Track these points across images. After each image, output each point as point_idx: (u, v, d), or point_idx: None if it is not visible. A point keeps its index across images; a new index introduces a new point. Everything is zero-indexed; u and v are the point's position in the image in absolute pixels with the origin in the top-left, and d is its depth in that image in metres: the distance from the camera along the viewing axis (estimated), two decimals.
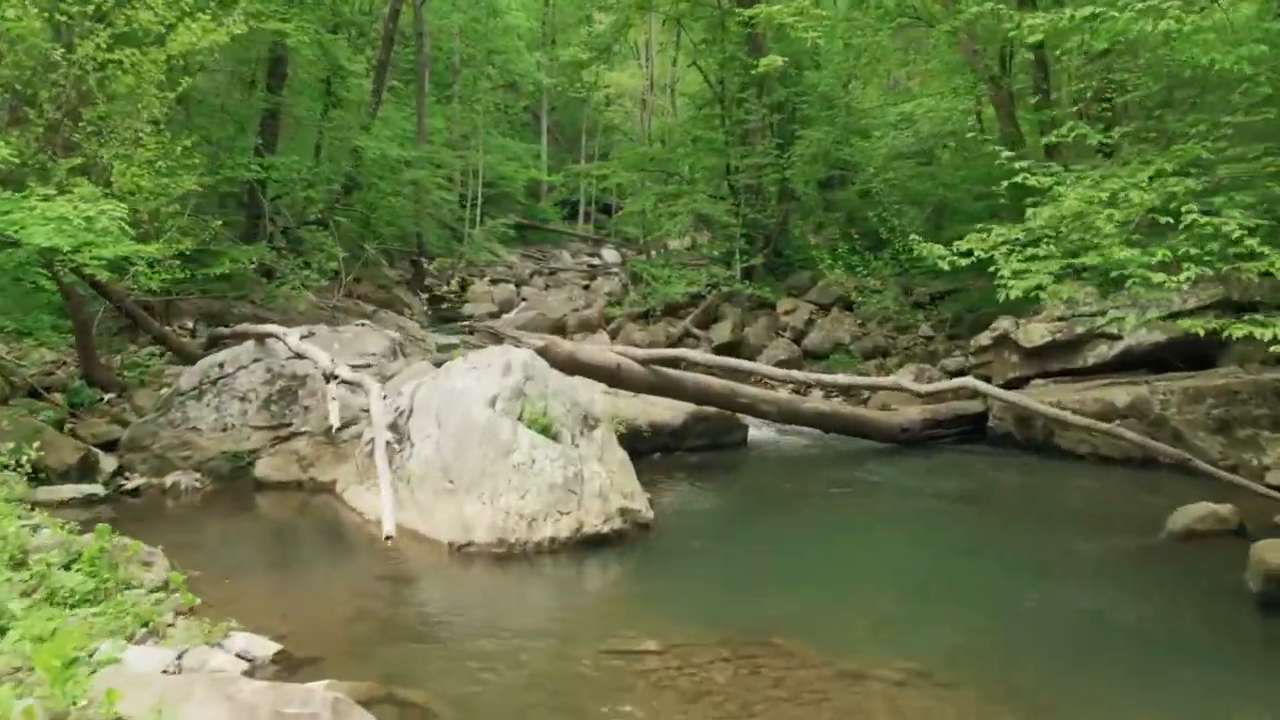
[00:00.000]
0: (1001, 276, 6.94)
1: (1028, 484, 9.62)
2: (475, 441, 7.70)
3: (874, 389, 10.91)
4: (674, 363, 9.92)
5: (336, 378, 7.69)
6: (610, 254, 34.13)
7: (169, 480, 9.17)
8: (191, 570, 6.57)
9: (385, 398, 8.00)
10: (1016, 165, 6.50)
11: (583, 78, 25.78)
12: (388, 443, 6.49)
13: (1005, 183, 8.17)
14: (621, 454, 8.41)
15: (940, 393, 10.69)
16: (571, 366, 9.42)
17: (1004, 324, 12.14)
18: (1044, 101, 12.22)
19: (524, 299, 27.92)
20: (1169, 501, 8.34)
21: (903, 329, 16.46)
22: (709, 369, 10.02)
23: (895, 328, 16.50)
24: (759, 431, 11.68)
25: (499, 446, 7.60)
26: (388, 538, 5.63)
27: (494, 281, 29.86)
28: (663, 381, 9.80)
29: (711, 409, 10.74)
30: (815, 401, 10.69)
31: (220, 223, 12.17)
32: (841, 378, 11.01)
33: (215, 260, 12.82)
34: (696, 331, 18.20)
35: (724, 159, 19.16)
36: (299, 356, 8.96)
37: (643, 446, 10.52)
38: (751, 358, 17.26)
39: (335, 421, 7.58)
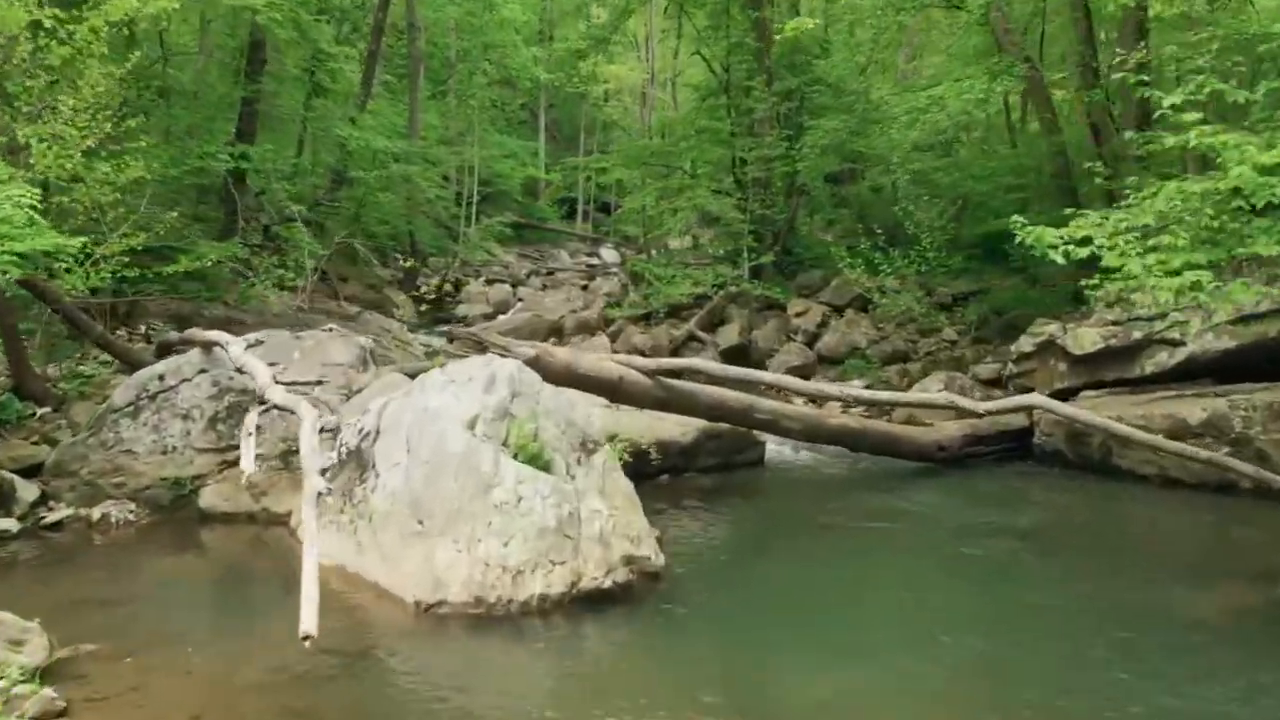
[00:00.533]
0: (1127, 274, 5.42)
1: (1096, 514, 8.14)
2: (450, 473, 6.23)
3: (921, 407, 9.37)
4: (684, 374, 8.44)
5: (264, 403, 6.17)
6: (609, 253, 32.66)
7: (97, 512, 7.69)
8: (88, 643, 5.12)
9: (324, 430, 6.48)
10: (1185, 118, 4.98)
11: (581, 70, 24.22)
12: (320, 494, 4.96)
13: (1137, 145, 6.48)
14: (626, 484, 6.93)
15: (1002, 412, 9.18)
16: (567, 379, 7.94)
17: (1049, 328, 10.68)
18: (1093, 80, 10.73)
19: (520, 299, 26.46)
20: (1269, 537, 6.90)
21: (925, 332, 15.00)
22: (724, 380, 8.54)
23: (917, 330, 15.04)
24: (777, 448, 10.22)
25: (478, 480, 6.13)
26: (305, 638, 4.15)
27: (490, 281, 28.38)
28: (672, 395, 8.33)
29: (725, 425, 9.28)
30: (843, 417, 9.22)
31: (175, 214, 10.63)
32: (883, 394, 9.50)
33: (180, 257, 11.32)
34: (701, 334, 16.74)
35: (730, 151, 17.68)
36: (241, 371, 7.45)
37: (648, 468, 9.10)
38: (761, 362, 15.81)
39: (249, 466, 6.05)
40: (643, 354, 16.92)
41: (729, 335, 16.31)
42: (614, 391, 8.16)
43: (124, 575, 6.80)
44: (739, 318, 16.92)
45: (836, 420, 9.04)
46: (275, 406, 6.31)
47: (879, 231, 13.32)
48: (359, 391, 8.29)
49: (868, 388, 13.76)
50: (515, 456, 6.50)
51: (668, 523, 7.69)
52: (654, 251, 22.05)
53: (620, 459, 6.98)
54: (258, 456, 8.00)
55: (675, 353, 16.54)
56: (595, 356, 8.20)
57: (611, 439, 7.64)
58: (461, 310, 25.14)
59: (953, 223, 13.52)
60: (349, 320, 16.15)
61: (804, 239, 19.26)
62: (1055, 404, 8.60)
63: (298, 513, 7.42)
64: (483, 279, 28.68)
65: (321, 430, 6.26)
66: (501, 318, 23.49)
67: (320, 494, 4.84)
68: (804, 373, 14.47)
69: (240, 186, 16.37)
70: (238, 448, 7.97)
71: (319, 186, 20.86)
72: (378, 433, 7.01)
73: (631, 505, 6.75)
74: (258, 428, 8.01)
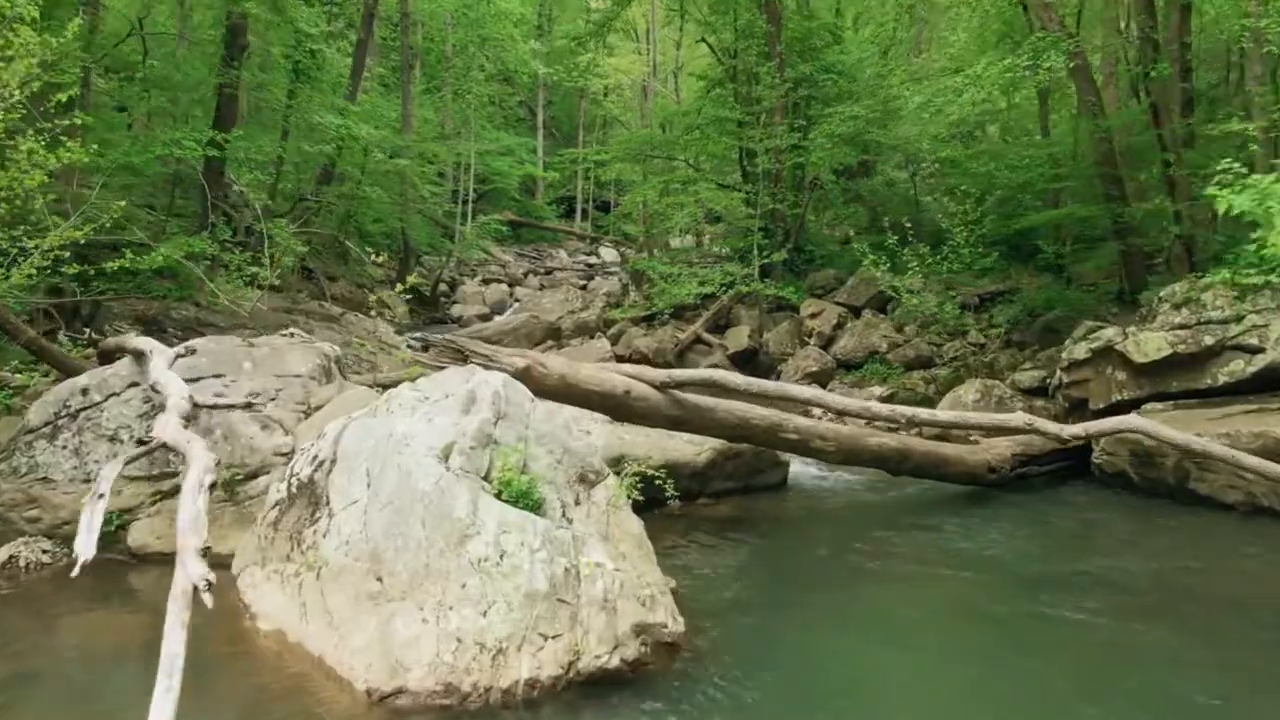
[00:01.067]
0: None
1: (1198, 555, 6.71)
2: (417, 518, 4.88)
3: (995, 431, 7.82)
4: (701, 386, 7.08)
5: (146, 444, 4.80)
6: (609, 253, 31.38)
7: (4, 553, 6.34)
8: None
9: (212, 485, 5.05)
10: None
11: (579, 62, 22.84)
12: (197, 589, 3.50)
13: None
14: (635, 526, 5.58)
15: (1092, 437, 7.77)
16: (563, 393, 6.59)
17: (1107, 332, 9.32)
18: (1154, 54, 9.38)
19: (517, 300, 25.18)
20: None
21: (949, 335, 13.65)
22: (747, 394, 7.16)
23: (940, 333, 13.69)
24: (802, 468, 8.89)
25: (451, 529, 4.78)
26: None
27: (486, 281, 27.12)
28: (687, 412, 6.98)
29: (746, 444, 7.93)
30: (883, 436, 7.85)
31: (123, 204, 9.24)
32: (944, 414, 8.05)
33: (126, 253, 9.92)
34: (708, 337, 15.43)
35: (738, 142, 16.30)
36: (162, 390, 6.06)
37: (656, 494, 7.79)
38: (772, 367, 14.50)
39: (85, 550, 4.61)
40: (646, 357, 15.59)
41: (738, 338, 14.99)
42: (619, 407, 6.80)
43: (25, 639, 5.47)
44: (748, 319, 15.61)
45: (876, 440, 7.68)
46: (162, 445, 4.90)
47: (909, 225, 11.93)
48: (319, 409, 6.92)
49: (890, 396, 12.45)
50: (499, 495, 5.15)
51: (682, 567, 6.36)
52: (655, 250, 20.73)
53: (629, 496, 5.62)
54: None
55: (681, 356, 15.23)
56: (595, 367, 6.83)
57: (617, 467, 6.30)
58: (456, 310, 23.85)
59: (990, 215, 12.17)
60: (331, 321, 14.82)
61: (814, 236, 17.94)
62: (1163, 430, 7.06)
63: (240, 557, 6.07)
64: (479, 278, 27.40)
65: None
66: (498, 318, 22.21)
67: (197, 589, 3.44)
68: (821, 379, 13.15)
69: (217, 178, 15.05)
70: (174, 475, 6.64)
71: (304, 180, 19.52)
72: (333, 461, 5.66)
73: (643, 554, 5.39)
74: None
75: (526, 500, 5.16)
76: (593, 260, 31.23)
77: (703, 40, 17.71)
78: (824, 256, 16.92)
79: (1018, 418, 7.56)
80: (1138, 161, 11.39)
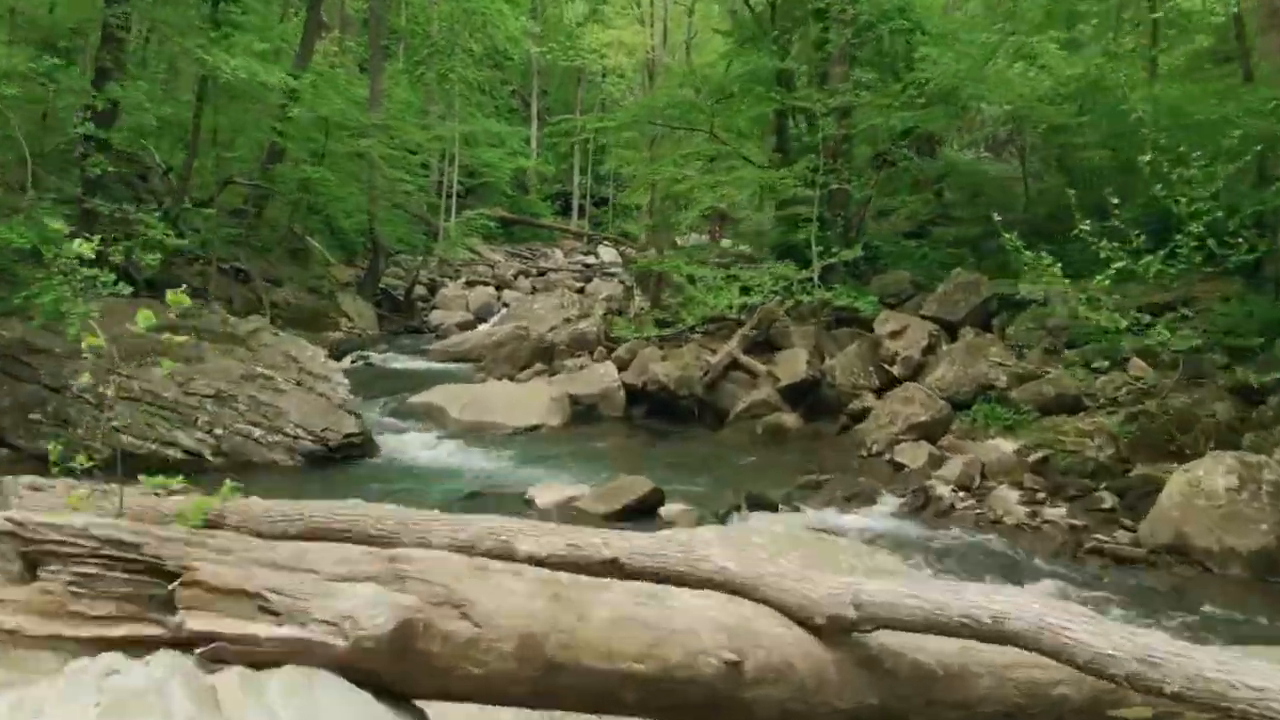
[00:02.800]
0: None
1: None
2: None
3: None
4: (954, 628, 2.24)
5: None
6: (608, 252, 26.64)
7: None
8: None
9: None
10: None
11: (575, 28, 17.97)
12: None
13: None
14: None
15: None
16: (537, 691, 1.83)
17: None
18: None
19: (505, 304, 20.38)
20: None
21: (1093, 367, 8.91)
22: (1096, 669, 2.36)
23: (1083, 363, 8.98)
24: None
25: None
26: None
27: (470, 283, 22.30)
28: (900, 689, 2.19)
29: None
30: None
31: None
32: None
33: None
34: (749, 362, 10.65)
35: (780, 103, 11.46)
36: None
37: None
38: (840, 406, 9.75)
39: None
40: (664, 387, 10.79)
41: (792, 365, 10.23)
42: (705, 710, 2.01)
43: None
44: (800, 337, 10.82)
45: None
46: None
47: (1114, 203, 7.13)
48: None
49: (1042, 461, 7.76)
50: None
51: None
52: (661, 249, 15.94)
53: None
54: None
55: (712, 387, 10.44)
56: (631, 597, 1.84)
57: None
58: (435, 317, 19.03)
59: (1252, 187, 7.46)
60: (234, 343, 9.92)
61: (869, 228, 13.19)
62: None
63: None
64: (463, 280, 22.61)
65: None
66: (481, 327, 17.44)
67: None
68: (933, 433, 8.39)
69: (98, 146, 10.31)
70: None
71: (239, 158, 14.70)
72: None
73: None
74: None
75: None
76: (590, 260, 26.55)
77: None
78: (890, 254, 12.20)
79: None
80: None
